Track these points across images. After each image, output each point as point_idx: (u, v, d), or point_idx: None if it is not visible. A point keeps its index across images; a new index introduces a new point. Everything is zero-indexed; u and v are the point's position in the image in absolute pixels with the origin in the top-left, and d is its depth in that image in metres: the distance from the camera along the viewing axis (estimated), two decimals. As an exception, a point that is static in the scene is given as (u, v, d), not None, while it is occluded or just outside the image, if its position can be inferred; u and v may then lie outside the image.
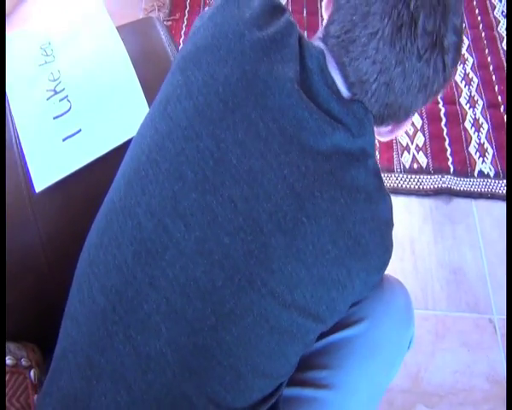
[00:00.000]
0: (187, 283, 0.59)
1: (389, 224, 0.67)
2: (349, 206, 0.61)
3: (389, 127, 0.70)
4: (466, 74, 1.80)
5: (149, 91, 0.84)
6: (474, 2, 1.98)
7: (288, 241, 0.59)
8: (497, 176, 1.58)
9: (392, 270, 1.43)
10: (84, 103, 0.83)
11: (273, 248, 0.59)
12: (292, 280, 0.59)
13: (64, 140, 0.81)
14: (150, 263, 0.60)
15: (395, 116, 0.65)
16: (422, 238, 1.49)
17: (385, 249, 0.67)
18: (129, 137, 0.81)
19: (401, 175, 1.58)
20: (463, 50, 1.85)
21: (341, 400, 0.74)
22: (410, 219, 1.52)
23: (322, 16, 1.92)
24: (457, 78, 1.78)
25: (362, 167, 0.63)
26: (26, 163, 0.79)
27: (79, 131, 0.81)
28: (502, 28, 1.91)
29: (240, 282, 0.59)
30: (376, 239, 0.64)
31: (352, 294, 0.65)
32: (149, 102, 0.83)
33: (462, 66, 1.81)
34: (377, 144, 1.63)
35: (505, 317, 1.36)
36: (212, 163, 0.60)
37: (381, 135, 0.72)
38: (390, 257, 0.69)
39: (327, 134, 0.60)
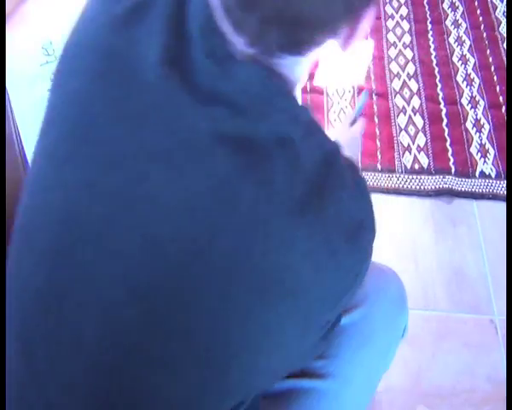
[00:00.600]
0: None
1: (361, 225, 0.51)
2: (263, 224, 0.42)
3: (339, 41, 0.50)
4: (467, 75, 1.79)
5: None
6: (476, 3, 1.98)
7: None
8: (498, 176, 1.58)
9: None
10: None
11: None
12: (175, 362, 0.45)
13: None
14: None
15: (313, 37, 0.45)
16: (423, 239, 1.49)
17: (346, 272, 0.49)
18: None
19: (402, 176, 1.57)
20: (465, 51, 1.85)
21: (338, 389, 0.73)
22: (410, 219, 1.52)
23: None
24: (459, 78, 1.78)
25: (282, 160, 0.43)
26: (27, 162, 0.79)
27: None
28: (503, 29, 1.91)
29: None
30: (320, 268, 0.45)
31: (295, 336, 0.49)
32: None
33: (463, 66, 1.81)
34: (378, 145, 1.63)
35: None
36: (58, 226, 0.46)
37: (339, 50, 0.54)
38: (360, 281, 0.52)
39: (201, 129, 0.43)
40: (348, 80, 1.76)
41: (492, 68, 1.81)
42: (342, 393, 0.74)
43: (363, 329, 0.77)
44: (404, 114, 1.70)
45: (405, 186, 1.56)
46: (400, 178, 1.57)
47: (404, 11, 1.95)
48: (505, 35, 1.89)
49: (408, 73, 1.79)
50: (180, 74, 0.44)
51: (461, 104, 1.72)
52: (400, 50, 1.85)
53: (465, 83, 1.77)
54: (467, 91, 1.75)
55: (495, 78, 1.79)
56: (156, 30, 0.45)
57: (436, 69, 1.81)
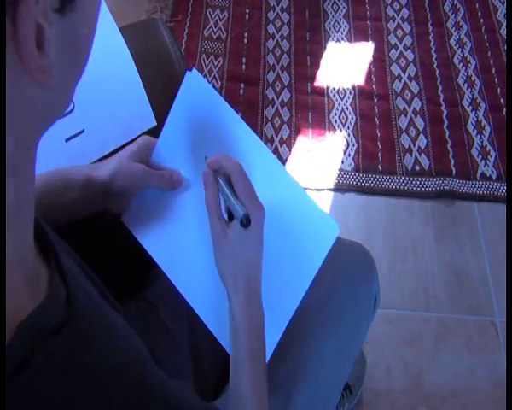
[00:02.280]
0: None
1: None
2: None
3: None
4: (468, 77, 1.79)
5: (152, 92, 0.84)
6: (477, 5, 1.98)
7: None
8: (499, 178, 1.58)
9: (393, 272, 1.44)
10: (86, 104, 0.83)
11: None
12: None
13: (67, 140, 0.81)
14: None
15: None
16: (424, 241, 1.49)
17: None
18: (131, 137, 0.81)
19: (403, 177, 1.58)
20: (466, 53, 1.85)
21: (312, 370, 0.72)
22: (411, 221, 1.52)
23: (324, 17, 1.92)
24: (460, 80, 1.78)
25: None
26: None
27: (82, 131, 0.81)
28: (504, 31, 1.91)
29: None
30: None
31: None
32: (151, 104, 0.83)
33: (464, 68, 1.81)
34: (379, 147, 1.63)
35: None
36: None
37: None
38: None
39: None
40: (349, 81, 1.76)
41: (493, 70, 1.81)
42: (315, 372, 0.73)
43: (331, 303, 0.75)
44: (405, 116, 1.70)
45: (406, 188, 1.56)
46: (401, 180, 1.57)
47: (405, 13, 1.95)
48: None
49: (409, 75, 1.79)
50: None
51: (462, 106, 1.73)
52: (401, 52, 1.85)
53: (466, 85, 1.78)
54: (468, 93, 1.76)
55: (496, 80, 1.79)
56: None
57: (437, 71, 1.81)
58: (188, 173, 0.70)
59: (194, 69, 0.67)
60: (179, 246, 0.71)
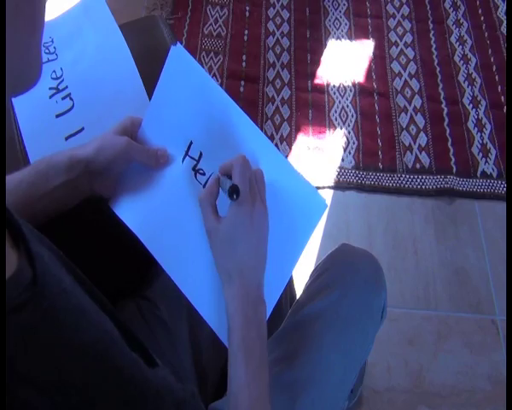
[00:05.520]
0: None
1: None
2: None
3: None
4: (469, 74, 1.79)
5: (151, 90, 0.84)
6: (477, 3, 1.97)
7: None
8: (499, 176, 1.58)
9: (394, 270, 1.44)
10: (86, 102, 0.83)
11: None
12: None
13: (67, 139, 0.80)
14: None
15: None
16: (425, 239, 1.48)
17: None
18: (131, 135, 0.81)
19: (403, 175, 1.57)
20: (466, 50, 1.84)
21: (318, 376, 0.72)
22: (412, 219, 1.51)
23: (324, 14, 1.91)
24: (460, 78, 1.78)
25: None
26: (29, 161, 0.79)
27: (82, 129, 0.81)
28: (505, 28, 1.90)
29: None
30: None
31: None
32: (152, 101, 0.83)
33: (464, 66, 1.81)
34: (379, 144, 1.62)
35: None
36: None
37: None
38: None
39: None
40: (349, 79, 1.75)
41: (494, 68, 1.81)
42: (322, 380, 0.73)
43: (340, 311, 0.76)
44: (406, 114, 1.69)
45: (407, 186, 1.56)
46: (402, 178, 1.57)
47: (405, 10, 1.95)
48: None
49: (409, 73, 1.79)
50: None
51: (462, 104, 1.72)
52: (401, 50, 1.85)
53: (466, 83, 1.77)
54: (468, 91, 1.75)
55: (496, 77, 1.78)
56: None
57: (437, 69, 1.80)
58: (174, 151, 0.69)
59: (178, 44, 0.66)
60: (167, 230, 0.69)
